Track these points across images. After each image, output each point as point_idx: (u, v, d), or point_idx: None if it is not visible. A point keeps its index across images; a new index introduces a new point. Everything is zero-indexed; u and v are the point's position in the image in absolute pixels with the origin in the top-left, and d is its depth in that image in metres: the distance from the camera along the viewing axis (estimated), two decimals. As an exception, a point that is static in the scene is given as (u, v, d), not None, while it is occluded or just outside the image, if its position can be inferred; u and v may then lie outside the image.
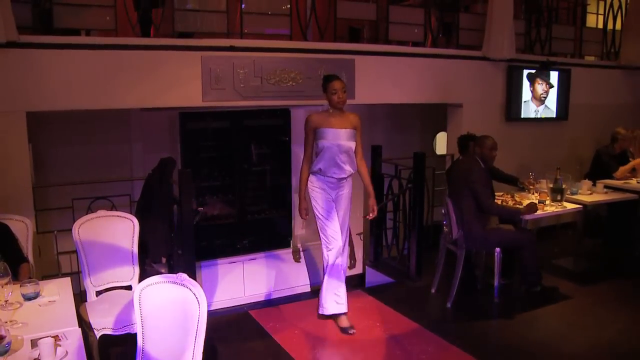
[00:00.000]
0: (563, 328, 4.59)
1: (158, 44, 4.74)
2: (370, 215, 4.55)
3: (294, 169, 5.94)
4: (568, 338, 4.43)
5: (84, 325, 3.51)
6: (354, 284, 5.86)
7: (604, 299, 5.17)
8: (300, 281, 6.01)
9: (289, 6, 5.53)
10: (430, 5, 6.52)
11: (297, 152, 6.39)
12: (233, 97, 5.04)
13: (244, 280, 5.73)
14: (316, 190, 4.37)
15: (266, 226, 6.07)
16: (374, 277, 5.95)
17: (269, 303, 5.59)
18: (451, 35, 6.80)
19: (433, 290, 5.23)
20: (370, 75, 5.65)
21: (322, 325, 4.63)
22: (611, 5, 8.13)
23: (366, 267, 6.11)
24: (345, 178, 4.38)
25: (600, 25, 8.22)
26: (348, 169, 4.34)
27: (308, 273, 6.04)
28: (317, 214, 4.40)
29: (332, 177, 4.33)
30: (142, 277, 3.65)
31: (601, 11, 8.24)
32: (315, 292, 4.98)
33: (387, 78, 5.79)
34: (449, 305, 4.92)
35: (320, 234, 4.45)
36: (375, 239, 6.00)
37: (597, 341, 4.35)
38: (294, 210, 6.16)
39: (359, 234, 6.24)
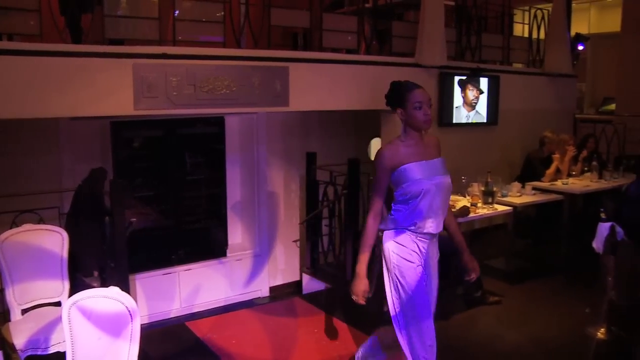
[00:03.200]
0: (497, 326, 4.74)
1: (87, 51, 4.58)
2: (473, 276, 3.31)
3: (229, 178, 5.90)
4: (502, 336, 4.57)
5: (7, 347, 3.36)
6: (290, 291, 5.86)
7: (535, 296, 5.38)
8: (237, 290, 5.97)
9: (222, 13, 5.49)
10: (363, 13, 6.60)
11: (232, 161, 6.37)
12: (166, 105, 4.94)
13: (179, 292, 5.64)
14: (403, 259, 3.00)
15: (201, 236, 5.99)
16: (311, 283, 5.97)
17: (206, 313, 5.51)
18: (384, 43, 6.91)
19: (370, 295, 5.26)
20: (305, 82, 5.67)
21: (259, 334, 4.60)
22: (535, 15, 8.49)
23: (303, 274, 6.12)
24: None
25: (527, 34, 8.56)
26: (443, 216, 3.08)
27: (244, 282, 6.01)
28: (401, 296, 3.09)
29: (429, 234, 3.01)
30: (73, 292, 3.52)
31: (527, 21, 8.59)
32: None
33: (321, 85, 5.82)
34: (385, 309, 4.97)
35: (401, 333, 3.13)
36: (311, 245, 6.02)
37: (529, 337, 4.51)
38: (229, 219, 6.13)
39: (295, 241, 6.25)
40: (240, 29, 5.56)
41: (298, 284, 6.20)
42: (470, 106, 6.92)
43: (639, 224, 3.95)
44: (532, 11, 8.53)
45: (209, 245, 5.99)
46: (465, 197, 5.62)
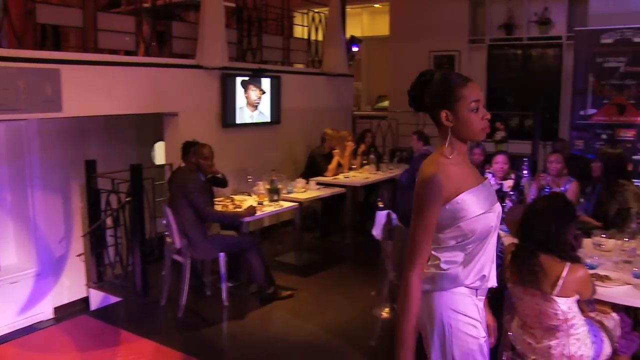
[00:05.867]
0: (292, 319, 4.87)
1: None
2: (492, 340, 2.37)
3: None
4: (297, 327, 4.72)
5: None
6: (76, 309, 5.48)
7: (326, 286, 5.63)
8: (12, 317, 5.44)
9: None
10: (141, 13, 6.37)
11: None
12: None
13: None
14: (468, 335, 2.08)
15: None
16: (99, 298, 5.62)
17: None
18: (165, 44, 6.74)
19: (162, 303, 5.12)
20: (80, 85, 5.29)
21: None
22: (313, 19, 8.92)
23: (89, 289, 5.74)
24: None
25: (306, 36, 8.95)
26: None
27: (23, 306, 5.48)
28: None
29: (487, 289, 2.18)
30: None
31: (306, 23, 8.98)
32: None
33: (98, 88, 5.49)
34: (179, 315, 4.87)
35: None
36: (96, 258, 5.66)
37: (323, 325, 4.70)
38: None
39: (79, 255, 5.84)
40: (-1, 26, 5.01)
41: (85, 301, 5.80)
42: (253, 106, 7.04)
43: (402, 208, 4.29)
44: (311, 14, 8.93)
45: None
46: (251, 196, 5.70)
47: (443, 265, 2.09)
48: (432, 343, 2.11)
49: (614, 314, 3.15)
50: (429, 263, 2.12)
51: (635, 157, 8.45)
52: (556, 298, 2.75)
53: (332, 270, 6.14)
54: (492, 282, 2.15)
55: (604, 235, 3.83)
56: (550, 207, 2.88)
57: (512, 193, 5.14)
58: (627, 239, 3.59)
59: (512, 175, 5.44)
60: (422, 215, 2.08)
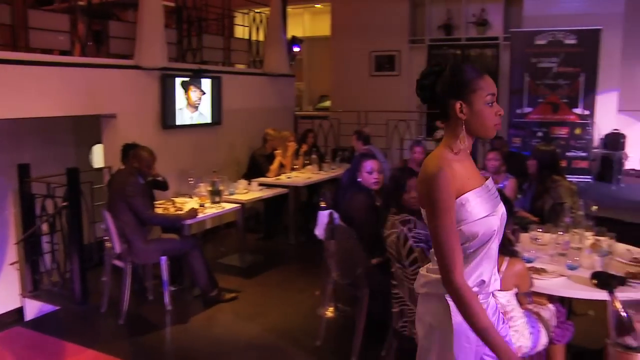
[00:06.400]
0: (236, 322, 4.82)
1: None
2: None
3: None
4: (241, 329, 4.68)
5: None
6: (9, 321, 5.26)
7: (270, 287, 5.61)
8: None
9: None
10: (76, 11, 6.18)
11: None
12: None
13: None
14: (465, 337, 1.98)
15: None
16: (35, 308, 5.41)
17: None
18: (101, 44, 6.57)
19: (103, 310, 4.99)
20: (10, 86, 5.08)
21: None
22: (254, 19, 8.88)
23: (24, 299, 5.52)
24: None
25: (247, 36, 8.90)
26: None
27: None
28: None
29: (489, 293, 2.08)
30: None
31: (247, 23, 8.93)
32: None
33: (31, 89, 5.28)
34: (121, 322, 4.75)
35: None
36: (32, 266, 5.46)
37: (267, 326, 4.68)
38: None
39: (12, 264, 5.61)
40: None
41: (19, 311, 5.57)
42: (193, 107, 6.94)
43: (349, 209, 4.33)
44: (252, 14, 8.90)
45: None
46: (193, 198, 5.62)
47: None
48: (432, 345, 2.06)
49: (550, 305, 3.27)
50: (430, 266, 2.07)
51: (568, 153, 8.80)
52: (495, 292, 2.82)
53: (276, 271, 6.13)
54: (494, 287, 2.06)
55: (540, 230, 3.97)
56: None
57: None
58: (561, 233, 3.72)
59: (452, 174, 5.55)
60: (440, 215, 1.90)
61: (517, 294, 2.93)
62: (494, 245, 2.00)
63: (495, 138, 7.85)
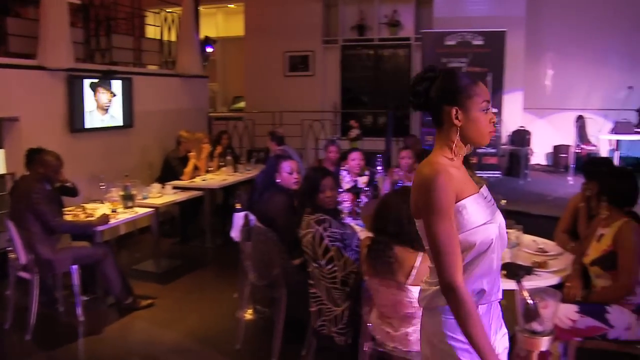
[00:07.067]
0: (153, 329, 4.70)
1: None
2: None
3: None
4: (158, 336, 4.56)
5: None
6: None
7: (187, 292, 5.51)
8: None
9: None
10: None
11: None
12: None
13: None
14: (462, 354, 1.93)
15: None
16: None
17: None
18: (0, 42, 6.22)
19: (7, 326, 4.69)
20: None
21: None
22: (166, 18, 8.70)
23: None
24: None
25: (158, 36, 8.70)
26: None
27: None
28: None
29: (495, 302, 2.05)
30: None
31: (158, 23, 8.73)
32: None
33: None
34: (28, 337, 4.51)
35: None
36: None
37: (186, 332, 4.59)
38: None
39: None
40: None
41: None
42: (103, 110, 6.71)
43: (268, 210, 4.31)
44: (163, 14, 8.72)
45: None
46: (104, 204, 5.43)
47: (436, 282, 1.92)
48: None
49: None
50: (427, 280, 2.00)
51: (479, 150, 9.17)
52: (410, 287, 2.89)
53: (193, 275, 6.02)
54: (497, 296, 2.00)
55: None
56: (400, 200, 3.01)
57: (367, 189, 5.36)
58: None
59: (367, 172, 5.66)
60: (440, 219, 1.84)
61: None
62: (496, 256, 1.94)
63: (408, 136, 8.10)
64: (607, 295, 3.27)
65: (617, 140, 9.47)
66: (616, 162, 8.93)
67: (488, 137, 1.97)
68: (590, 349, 3.30)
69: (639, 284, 3.22)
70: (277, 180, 4.44)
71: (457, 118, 1.92)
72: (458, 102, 1.92)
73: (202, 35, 9.45)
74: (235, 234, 4.52)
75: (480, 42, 9.17)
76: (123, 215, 5.18)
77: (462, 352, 1.92)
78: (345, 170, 5.63)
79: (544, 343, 2.20)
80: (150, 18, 9.17)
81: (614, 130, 9.49)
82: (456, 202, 1.87)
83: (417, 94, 1.99)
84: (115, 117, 6.93)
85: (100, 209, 5.25)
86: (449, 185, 1.85)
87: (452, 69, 2.03)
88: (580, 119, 10.38)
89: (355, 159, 5.58)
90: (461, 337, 1.88)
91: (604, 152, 10.13)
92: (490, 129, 1.96)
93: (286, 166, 4.44)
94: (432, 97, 1.97)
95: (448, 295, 1.84)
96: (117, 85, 6.93)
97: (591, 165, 4.17)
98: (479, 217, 1.90)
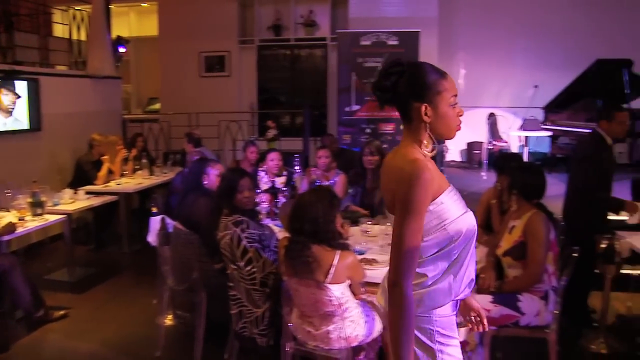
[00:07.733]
0: (68, 341, 4.51)
1: None
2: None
3: None
4: (74, 349, 4.38)
5: None
6: None
7: (103, 300, 5.33)
8: None
9: None
10: None
11: None
12: None
13: None
14: (449, 342, 1.95)
15: None
16: None
17: None
18: None
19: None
20: None
21: None
22: (74, 17, 8.36)
23: None
24: None
25: (67, 35, 8.36)
26: None
27: None
28: None
29: (462, 298, 2.05)
30: None
31: (67, 21, 8.39)
32: None
33: None
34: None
35: None
36: None
37: (103, 342, 4.44)
38: None
39: None
40: None
41: None
42: (7, 112, 6.37)
43: (192, 213, 4.24)
44: (71, 12, 8.39)
45: None
46: (10, 212, 5.15)
47: (430, 281, 1.91)
48: None
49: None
50: (413, 282, 1.87)
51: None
52: (329, 285, 2.93)
53: (109, 282, 5.83)
54: (466, 293, 2.00)
55: (370, 222, 4.17)
56: (315, 200, 3.04)
57: (284, 189, 5.37)
58: (389, 224, 3.95)
59: (285, 172, 5.67)
60: (411, 216, 1.82)
61: (350, 285, 3.06)
62: (470, 249, 1.94)
63: (325, 136, 8.17)
64: (519, 284, 3.44)
65: (526, 137, 9.94)
66: (525, 157, 9.37)
67: (455, 131, 1.95)
68: (504, 336, 3.46)
69: (546, 272, 3.40)
70: (205, 183, 4.38)
71: (426, 114, 1.89)
72: (427, 98, 1.89)
73: (114, 35, 9.12)
74: (151, 238, 4.42)
75: (395, 42, 9.35)
76: (32, 223, 4.94)
77: (453, 349, 1.95)
78: (263, 170, 5.61)
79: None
80: (58, 16, 8.80)
81: (523, 127, 9.99)
82: (438, 196, 1.87)
83: (384, 88, 1.93)
84: (20, 120, 6.59)
85: (6, 218, 4.97)
86: (430, 185, 1.84)
87: (420, 63, 1.96)
88: (491, 117, 10.84)
89: (273, 160, 5.58)
90: (450, 334, 1.93)
91: (514, 148, 10.63)
92: (457, 123, 1.94)
93: (215, 169, 4.41)
94: (401, 93, 1.92)
95: (393, 290, 1.82)
96: (22, 86, 6.58)
97: (502, 161, 4.40)
98: (457, 208, 1.91)
